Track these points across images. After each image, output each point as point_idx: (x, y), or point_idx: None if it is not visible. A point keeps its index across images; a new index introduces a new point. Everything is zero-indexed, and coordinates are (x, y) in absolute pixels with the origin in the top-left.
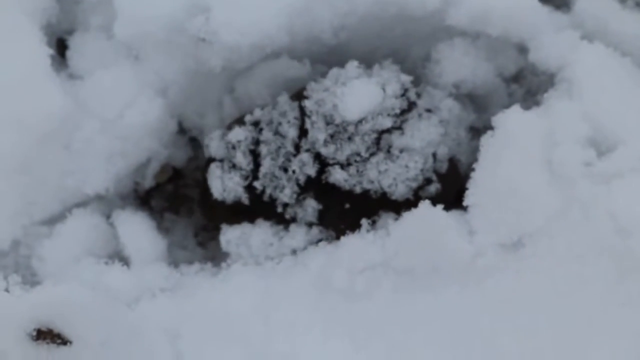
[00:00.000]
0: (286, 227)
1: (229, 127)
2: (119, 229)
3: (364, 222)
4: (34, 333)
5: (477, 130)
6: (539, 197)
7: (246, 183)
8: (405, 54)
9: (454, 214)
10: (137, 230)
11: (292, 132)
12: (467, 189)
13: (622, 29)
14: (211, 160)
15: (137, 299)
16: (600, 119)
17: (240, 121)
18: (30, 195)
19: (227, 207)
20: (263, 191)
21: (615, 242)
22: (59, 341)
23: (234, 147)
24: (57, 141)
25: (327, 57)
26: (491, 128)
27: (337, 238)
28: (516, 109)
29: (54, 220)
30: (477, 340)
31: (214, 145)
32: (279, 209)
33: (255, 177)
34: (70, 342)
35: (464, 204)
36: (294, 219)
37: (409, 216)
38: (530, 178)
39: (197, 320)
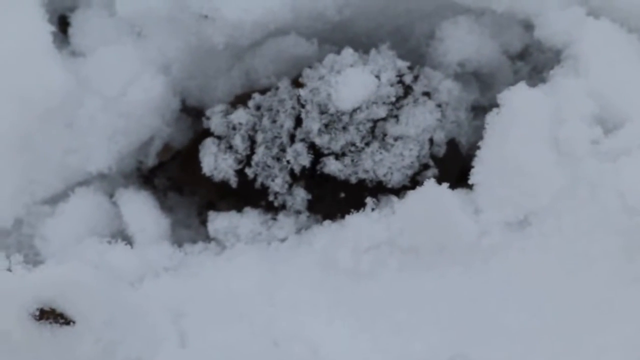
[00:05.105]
0: (274, 217)
1: (233, 105)
2: (122, 208)
3: (369, 200)
4: (37, 313)
5: (483, 109)
6: (545, 175)
7: (239, 167)
8: (409, 31)
9: (460, 192)
10: (140, 209)
11: (288, 123)
12: (471, 167)
13: (628, 5)
14: (208, 133)
15: (141, 278)
16: (607, 96)
17: (244, 101)
18: (33, 174)
19: (214, 184)
20: (254, 179)
21: (623, 220)
22: (62, 321)
23: (234, 128)
24: (59, 119)
25: (331, 35)
26: (497, 106)
27: None
28: (522, 86)
29: (56, 199)
30: (483, 320)
31: (215, 121)
32: (270, 197)
33: (249, 164)
34: (74, 322)
35: (470, 182)
36: (283, 207)
37: (414, 195)
38: (536, 156)
39: (200, 299)
